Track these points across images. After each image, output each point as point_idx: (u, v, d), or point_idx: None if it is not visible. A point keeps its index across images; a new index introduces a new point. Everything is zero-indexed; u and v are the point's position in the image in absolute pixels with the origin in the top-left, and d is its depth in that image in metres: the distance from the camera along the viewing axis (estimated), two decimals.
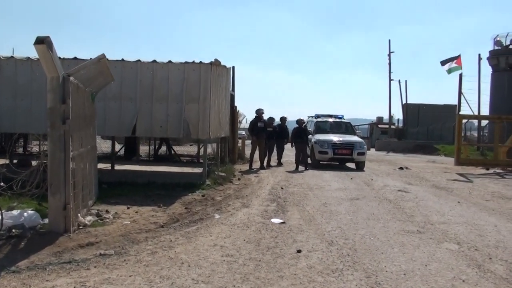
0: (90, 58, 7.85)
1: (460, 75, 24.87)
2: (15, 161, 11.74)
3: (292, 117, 20.38)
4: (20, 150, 19.10)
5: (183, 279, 4.73)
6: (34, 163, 9.19)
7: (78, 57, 11.15)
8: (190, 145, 24.35)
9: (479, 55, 33.75)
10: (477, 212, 9.06)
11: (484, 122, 31.12)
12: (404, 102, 47.62)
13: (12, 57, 11.56)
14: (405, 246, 6.26)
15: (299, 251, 5.80)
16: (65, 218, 6.15)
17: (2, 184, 7.05)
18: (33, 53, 8.30)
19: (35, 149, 19.69)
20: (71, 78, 6.30)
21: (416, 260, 5.60)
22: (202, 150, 14.69)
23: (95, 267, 5.04)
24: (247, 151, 19.45)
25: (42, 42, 5.67)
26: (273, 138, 18.11)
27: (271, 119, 18.41)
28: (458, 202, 10.25)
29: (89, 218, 7.06)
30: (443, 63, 27.38)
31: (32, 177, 6.88)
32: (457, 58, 27.05)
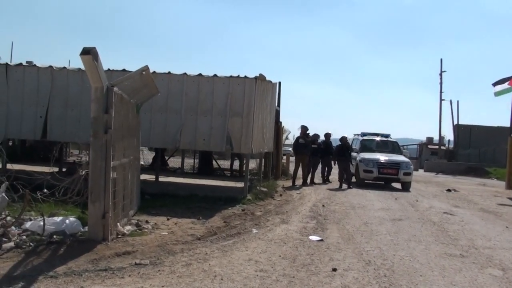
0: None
1: None
2: (64, 169, 12.08)
3: (337, 134, 20.19)
4: (71, 159, 19.71)
5: None
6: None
7: (126, 69, 11.34)
8: (235, 160, 24.43)
9: None
10: None
11: None
12: (455, 123, 46.49)
13: (64, 68, 11.92)
14: (445, 269, 6.03)
15: (334, 270, 5.68)
16: (103, 226, 6.26)
17: (45, 190, 7.27)
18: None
19: (85, 158, 20.25)
20: (115, 88, 6.44)
21: (456, 285, 5.38)
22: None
23: (129, 276, 5.09)
24: (292, 167, 19.36)
25: (88, 52, 5.85)
26: (317, 155, 17.93)
27: (316, 136, 18.27)
28: (507, 227, 9.83)
29: (128, 227, 7.16)
30: (496, 84, 26.46)
31: (73, 185, 7.06)
32: (510, 79, 26.04)
